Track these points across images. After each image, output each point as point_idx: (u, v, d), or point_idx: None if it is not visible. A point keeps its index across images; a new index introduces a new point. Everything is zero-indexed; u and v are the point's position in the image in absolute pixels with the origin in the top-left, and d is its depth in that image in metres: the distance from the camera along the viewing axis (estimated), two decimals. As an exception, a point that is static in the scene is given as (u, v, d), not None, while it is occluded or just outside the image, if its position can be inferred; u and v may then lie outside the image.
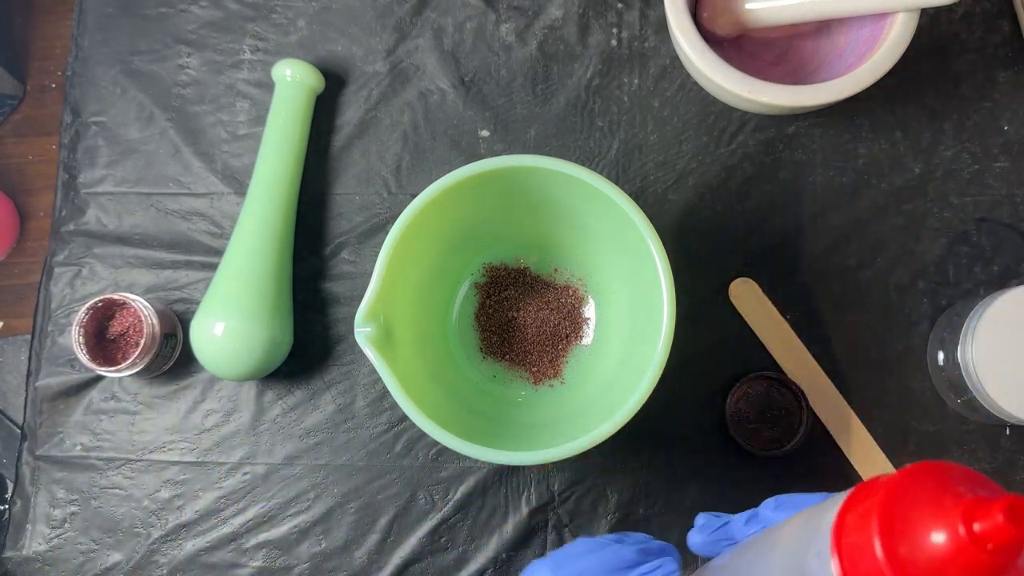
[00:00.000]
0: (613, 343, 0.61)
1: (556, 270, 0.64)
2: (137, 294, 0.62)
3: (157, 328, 0.61)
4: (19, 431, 0.67)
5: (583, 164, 0.53)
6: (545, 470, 0.63)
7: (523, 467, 0.63)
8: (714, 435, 0.63)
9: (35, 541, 0.64)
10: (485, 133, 0.67)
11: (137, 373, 0.61)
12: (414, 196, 0.52)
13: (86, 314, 0.60)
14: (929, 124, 0.66)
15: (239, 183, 0.67)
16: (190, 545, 0.63)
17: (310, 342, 0.65)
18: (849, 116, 0.66)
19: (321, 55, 0.69)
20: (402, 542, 0.63)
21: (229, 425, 0.65)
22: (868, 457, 0.62)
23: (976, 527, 0.25)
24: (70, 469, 0.65)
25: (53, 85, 1.33)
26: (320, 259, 0.66)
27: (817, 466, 0.62)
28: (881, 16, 0.59)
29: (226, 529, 0.64)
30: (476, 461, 0.63)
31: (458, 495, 0.63)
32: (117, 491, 0.65)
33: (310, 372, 0.65)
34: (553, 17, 0.68)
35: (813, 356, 0.63)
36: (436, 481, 0.64)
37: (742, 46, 0.65)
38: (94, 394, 0.66)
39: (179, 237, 0.67)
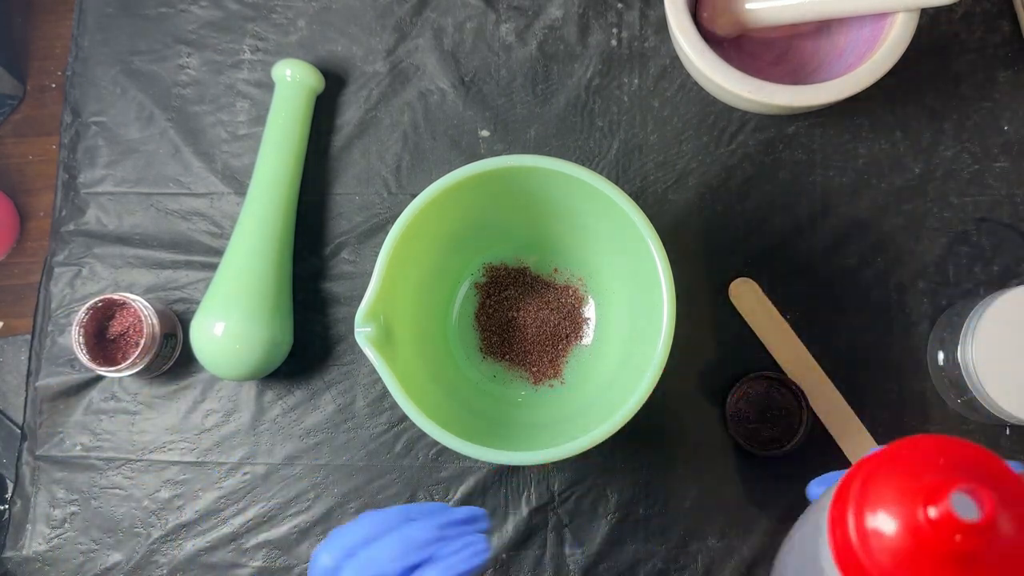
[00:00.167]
0: (613, 343, 0.61)
1: (556, 270, 0.64)
2: (137, 294, 0.62)
3: (157, 328, 0.61)
4: (19, 431, 0.67)
5: (583, 164, 0.53)
6: (545, 470, 0.63)
7: (523, 467, 0.63)
8: (714, 435, 0.63)
9: (35, 541, 0.64)
10: (485, 133, 0.67)
11: (137, 373, 0.61)
12: (414, 196, 0.52)
13: (86, 314, 0.60)
14: (929, 124, 0.66)
15: (239, 183, 0.67)
16: (190, 545, 0.63)
17: (310, 342, 0.65)
18: (849, 116, 0.66)
19: (321, 55, 0.69)
20: (402, 542, 0.63)
21: (229, 425, 0.65)
22: (868, 457, 0.62)
23: (932, 512, 0.24)
24: (70, 469, 0.65)
25: (53, 85, 1.33)
26: (320, 259, 0.66)
27: (817, 466, 0.62)
28: (881, 16, 0.59)
29: (226, 529, 0.64)
30: (476, 461, 0.63)
31: (458, 495, 0.63)
32: (117, 491, 0.65)
33: (310, 372, 0.65)
34: (553, 17, 0.68)
35: (813, 356, 0.63)
36: (436, 481, 0.64)
37: (742, 46, 0.65)
38: (94, 394, 0.66)
39: (179, 237, 0.67)
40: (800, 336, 0.63)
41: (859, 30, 0.61)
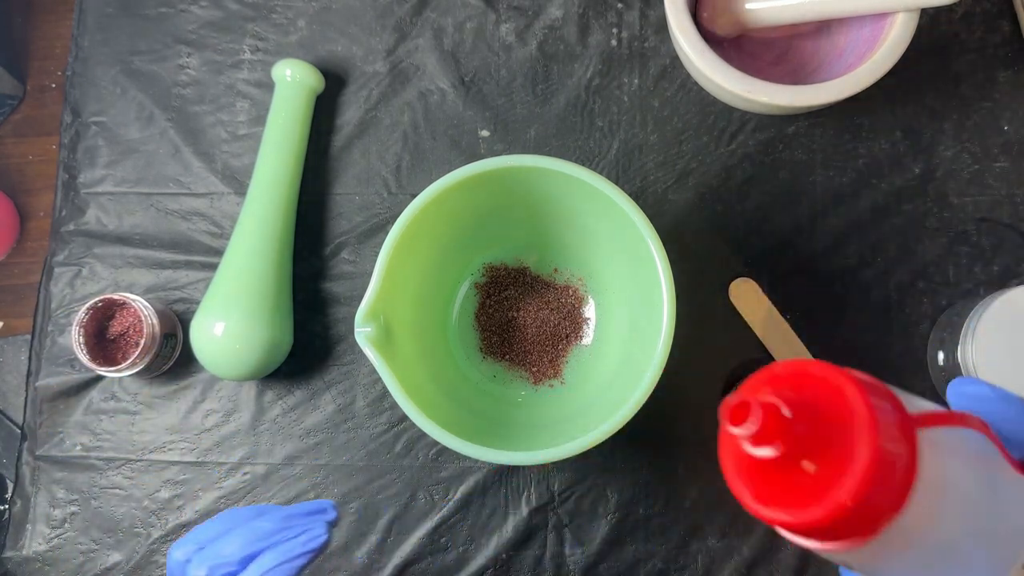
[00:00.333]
0: (613, 343, 0.61)
1: (556, 270, 0.64)
2: (137, 294, 0.62)
3: (157, 328, 0.61)
4: (19, 431, 0.67)
5: (583, 164, 0.53)
6: (545, 470, 0.63)
7: (523, 467, 0.63)
8: (714, 435, 0.63)
9: (35, 541, 0.64)
10: (485, 133, 0.67)
11: (137, 373, 0.61)
12: (414, 196, 0.52)
13: (86, 314, 0.60)
14: (929, 124, 0.66)
15: (239, 183, 0.67)
16: (190, 545, 0.63)
17: (310, 342, 0.65)
18: (849, 116, 0.66)
19: (321, 55, 0.69)
20: (402, 542, 0.63)
21: (229, 425, 0.65)
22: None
23: (729, 428, 0.26)
24: (70, 469, 0.65)
25: (53, 85, 1.33)
26: (320, 259, 0.66)
27: (817, 466, 0.62)
28: (881, 16, 0.59)
29: (226, 529, 0.64)
30: (476, 461, 0.63)
31: (458, 495, 0.63)
32: (117, 491, 0.65)
33: (310, 372, 0.65)
34: (553, 17, 0.68)
35: (813, 356, 0.63)
36: (436, 481, 0.64)
37: (742, 46, 0.65)
38: (94, 394, 0.66)
39: (179, 237, 0.67)
40: (800, 336, 0.63)
41: (859, 30, 0.61)
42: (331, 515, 0.44)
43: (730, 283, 0.64)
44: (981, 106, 0.65)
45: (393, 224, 0.52)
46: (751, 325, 0.63)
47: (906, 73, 0.63)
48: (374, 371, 0.58)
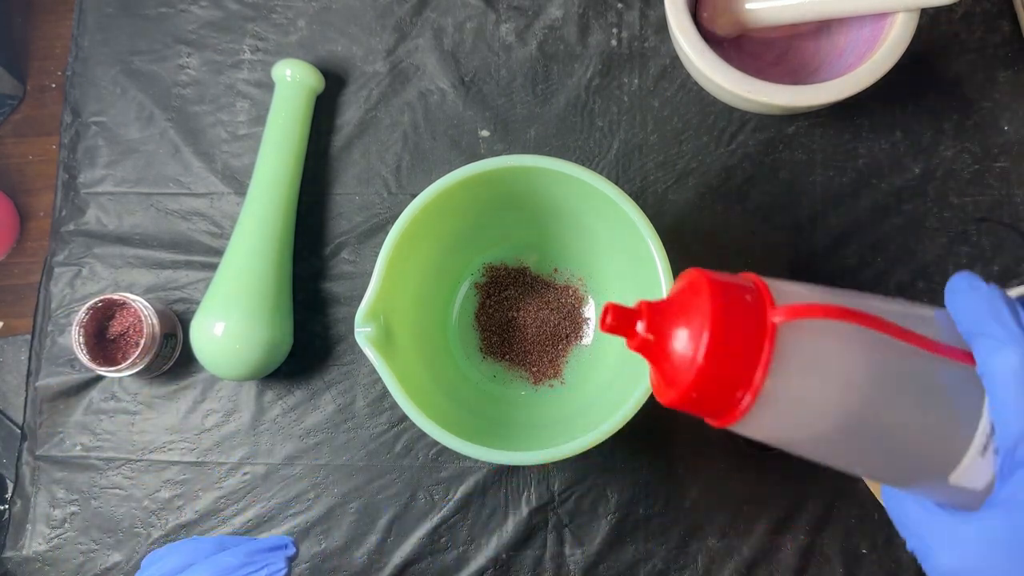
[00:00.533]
0: (613, 343, 0.61)
1: (556, 270, 0.64)
2: (137, 294, 0.62)
3: (157, 328, 0.61)
4: (19, 431, 0.67)
5: (583, 164, 0.53)
6: (545, 470, 0.63)
7: (523, 467, 0.63)
8: (714, 435, 0.63)
9: (35, 541, 0.64)
10: (485, 133, 0.67)
11: (137, 373, 0.61)
12: (414, 196, 0.52)
13: (86, 314, 0.60)
14: (929, 124, 0.66)
15: (239, 183, 0.67)
16: (190, 545, 0.64)
17: (310, 342, 0.65)
18: (849, 116, 0.66)
19: (321, 55, 0.69)
20: (402, 542, 0.63)
21: (229, 425, 0.65)
22: (868, 457, 0.62)
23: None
24: (70, 469, 0.65)
25: (53, 85, 1.33)
26: (320, 259, 0.66)
27: (817, 466, 0.62)
28: (881, 16, 0.59)
29: (226, 529, 0.64)
30: (476, 461, 0.63)
31: (458, 495, 0.63)
32: (117, 491, 0.65)
33: (310, 372, 0.65)
34: (553, 17, 0.68)
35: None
36: (436, 481, 0.64)
37: (742, 46, 0.65)
38: (94, 394, 0.66)
39: (179, 237, 0.67)
40: (800, 336, 0.63)
41: (859, 30, 0.61)
42: (291, 551, 0.47)
43: (730, 283, 0.64)
44: (981, 106, 0.65)
45: (393, 224, 0.52)
46: (751, 325, 0.63)
47: (906, 73, 0.63)
48: (374, 371, 0.58)
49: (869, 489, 0.62)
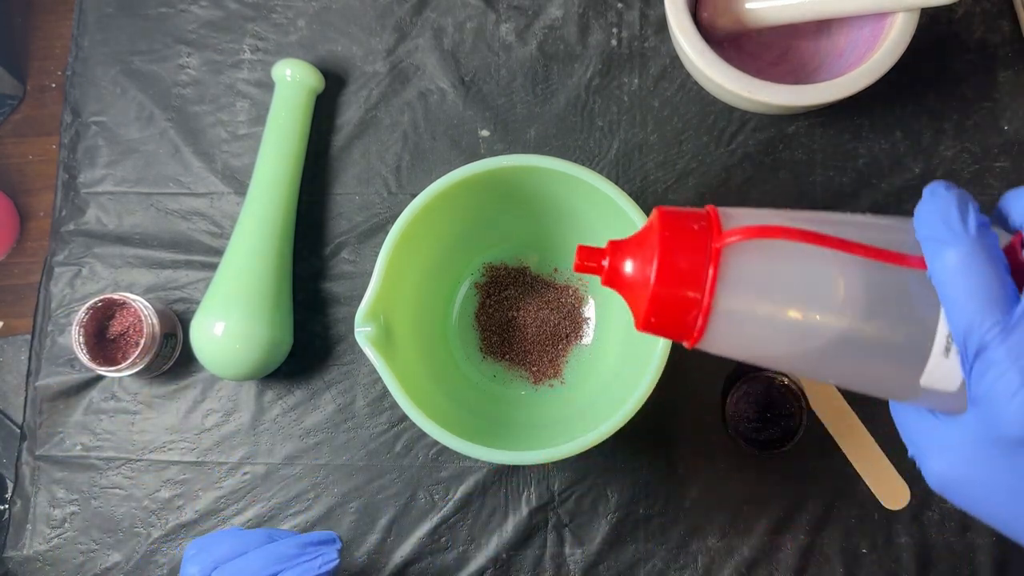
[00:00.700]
0: (613, 343, 0.61)
1: (556, 270, 0.64)
2: (137, 294, 0.62)
3: (157, 328, 0.61)
4: (19, 431, 0.67)
5: (583, 164, 0.53)
6: (545, 470, 0.63)
7: (523, 467, 0.63)
8: (714, 435, 0.63)
9: (35, 541, 0.64)
10: (485, 133, 0.67)
11: (137, 373, 0.61)
12: (414, 196, 0.52)
13: (86, 314, 0.60)
14: (929, 124, 0.66)
15: (239, 183, 0.67)
16: (190, 545, 0.64)
17: (310, 342, 0.65)
18: (849, 116, 0.66)
19: (321, 55, 0.69)
20: (402, 542, 0.63)
21: (229, 425, 0.65)
22: (868, 457, 0.62)
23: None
24: (70, 469, 0.65)
25: (53, 85, 1.33)
26: (320, 259, 0.66)
27: (817, 466, 0.62)
28: (881, 16, 0.59)
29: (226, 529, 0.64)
30: (476, 461, 0.63)
31: (458, 495, 0.63)
32: (117, 491, 0.65)
33: (310, 372, 0.65)
34: (553, 17, 0.68)
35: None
36: (436, 481, 0.64)
37: (742, 46, 0.65)
38: (94, 394, 0.66)
39: (179, 237, 0.67)
40: (800, 336, 0.63)
41: (859, 30, 0.61)
42: (339, 544, 0.48)
43: (730, 283, 0.64)
44: (981, 106, 0.65)
45: (393, 224, 0.52)
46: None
47: (906, 73, 0.63)
48: (374, 371, 0.58)
49: (869, 489, 0.62)
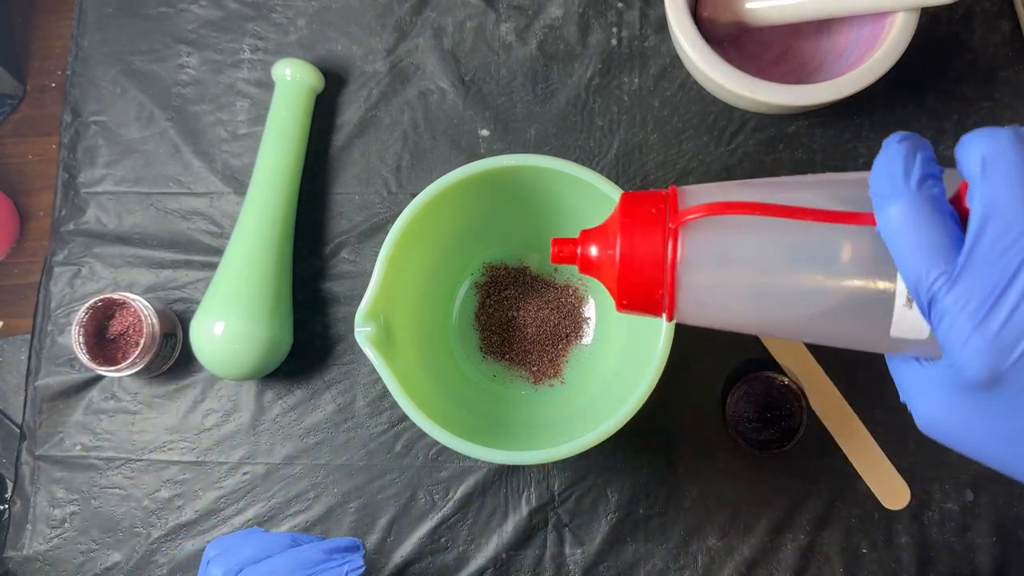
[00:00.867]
0: (613, 343, 0.61)
1: (556, 270, 0.64)
2: (137, 294, 0.62)
3: (157, 328, 0.61)
4: (19, 431, 0.67)
5: (583, 163, 0.53)
6: (545, 470, 0.63)
7: (523, 467, 0.63)
8: (714, 435, 0.63)
9: (35, 541, 0.64)
10: (485, 133, 0.67)
11: (137, 373, 0.61)
12: (414, 196, 0.52)
13: (86, 314, 0.60)
14: (929, 124, 0.66)
15: (239, 183, 0.67)
16: (190, 545, 0.63)
17: (310, 342, 0.65)
18: (849, 116, 0.66)
19: (321, 55, 0.69)
20: (402, 542, 0.63)
21: (229, 425, 0.65)
22: (868, 457, 0.62)
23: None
24: (70, 469, 0.65)
25: (53, 85, 1.33)
26: (320, 259, 0.66)
27: (817, 466, 0.62)
28: (881, 16, 0.59)
29: (226, 529, 0.64)
30: (476, 461, 0.63)
31: (458, 495, 0.63)
32: (117, 491, 0.65)
33: (310, 372, 0.65)
34: (553, 16, 0.68)
35: (813, 356, 0.63)
36: (436, 481, 0.64)
37: (742, 46, 0.65)
38: (94, 394, 0.66)
39: (179, 237, 0.67)
40: (800, 336, 0.63)
41: (859, 30, 0.61)
42: (363, 551, 0.48)
43: (730, 283, 0.64)
44: (981, 106, 0.65)
45: (393, 224, 0.52)
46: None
47: (906, 73, 0.63)
48: (374, 371, 0.58)
49: (869, 489, 0.62)
